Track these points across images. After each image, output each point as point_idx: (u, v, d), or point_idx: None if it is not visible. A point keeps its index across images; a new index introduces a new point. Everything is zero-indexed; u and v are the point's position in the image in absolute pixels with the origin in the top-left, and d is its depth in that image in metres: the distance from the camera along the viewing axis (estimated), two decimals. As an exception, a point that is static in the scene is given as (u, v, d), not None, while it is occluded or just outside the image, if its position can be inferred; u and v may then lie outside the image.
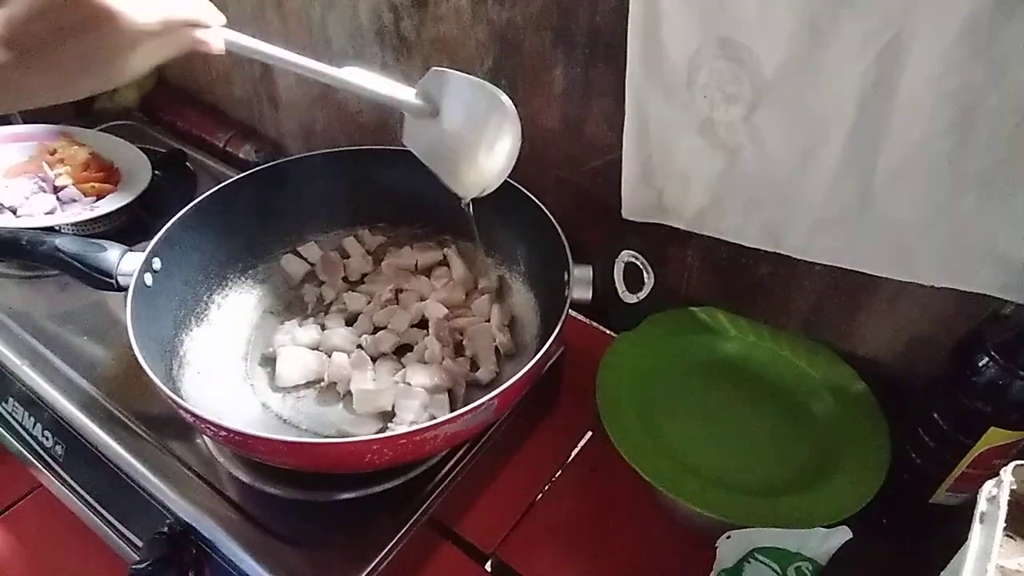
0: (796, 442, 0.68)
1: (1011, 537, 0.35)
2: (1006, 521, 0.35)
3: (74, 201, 0.87)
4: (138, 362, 0.56)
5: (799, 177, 0.62)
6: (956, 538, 0.40)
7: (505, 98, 0.57)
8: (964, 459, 0.57)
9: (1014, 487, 0.37)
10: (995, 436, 0.54)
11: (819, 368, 0.72)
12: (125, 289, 0.63)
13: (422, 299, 0.76)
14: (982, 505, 0.37)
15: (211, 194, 0.72)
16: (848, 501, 0.60)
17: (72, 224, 0.85)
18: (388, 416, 0.65)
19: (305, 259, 0.80)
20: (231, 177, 0.75)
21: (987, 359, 0.53)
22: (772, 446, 0.68)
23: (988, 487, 0.37)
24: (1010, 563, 0.34)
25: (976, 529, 0.36)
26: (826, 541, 0.55)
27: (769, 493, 0.63)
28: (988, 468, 0.56)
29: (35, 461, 0.71)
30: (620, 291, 0.63)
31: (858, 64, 0.54)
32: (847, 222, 0.62)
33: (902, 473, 0.62)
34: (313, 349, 0.71)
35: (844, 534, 0.54)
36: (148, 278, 0.65)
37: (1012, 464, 0.38)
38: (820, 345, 0.74)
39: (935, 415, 0.58)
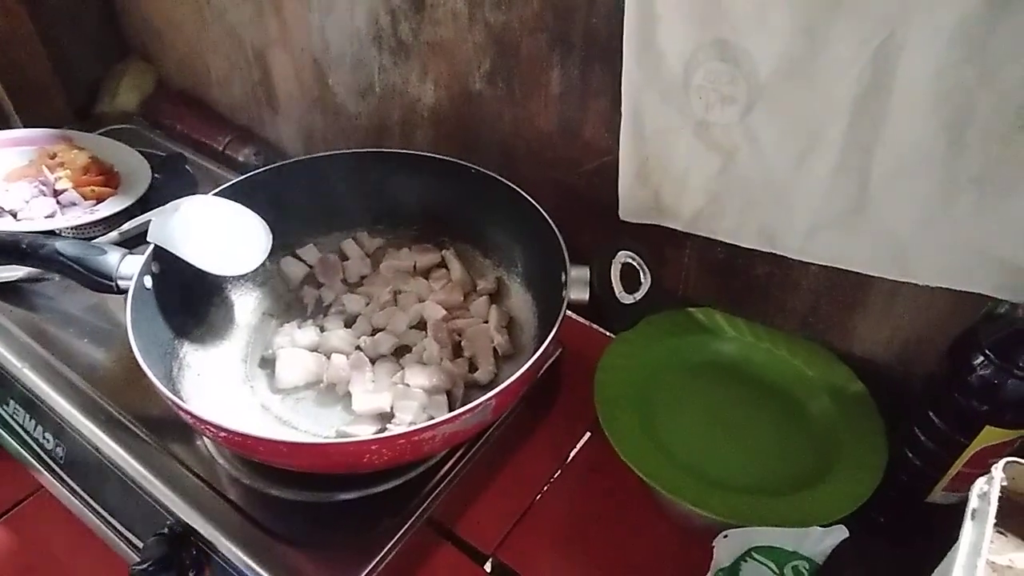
0: (793, 441, 0.68)
1: (1002, 533, 0.36)
2: (997, 517, 0.36)
3: (74, 205, 0.88)
4: (138, 365, 0.56)
5: (795, 178, 0.63)
6: (952, 537, 0.41)
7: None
8: (960, 458, 0.57)
9: (1005, 483, 0.37)
10: (990, 435, 0.55)
11: (816, 368, 0.73)
12: (125, 292, 0.63)
13: (420, 301, 0.76)
14: (973, 502, 0.37)
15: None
16: (845, 500, 0.60)
17: (72, 227, 0.85)
18: (387, 417, 0.65)
19: (304, 261, 0.80)
20: (230, 180, 0.75)
21: (982, 358, 0.53)
22: (770, 446, 0.68)
23: (979, 484, 0.37)
24: (1001, 559, 0.34)
25: (967, 525, 0.36)
26: (823, 540, 0.55)
27: (766, 492, 0.63)
28: (984, 467, 0.56)
29: (36, 463, 0.71)
30: (617, 292, 0.64)
31: (853, 66, 0.55)
32: (843, 223, 0.62)
33: (899, 472, 0.62)
34: (312, 351, 0.71)
35: (841, 533, 0.55)
36: (148, 281, 0.65)
37: (1003, 461, 0.38)
38: (817, 345, 0.74)
39: (931, 414, 0.58)
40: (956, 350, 0.57)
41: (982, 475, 0.39)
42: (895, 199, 0.59)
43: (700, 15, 0.59)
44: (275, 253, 0.74)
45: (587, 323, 0.84)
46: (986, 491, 0.37)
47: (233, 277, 0.76)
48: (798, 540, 0.55)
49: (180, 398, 0.57)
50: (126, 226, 0.78)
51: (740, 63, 0.59)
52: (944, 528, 0.46)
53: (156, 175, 0.93)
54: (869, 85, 0.55)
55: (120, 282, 0.65)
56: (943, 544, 0.43)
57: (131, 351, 0.57)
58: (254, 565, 0.57)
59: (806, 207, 0.64)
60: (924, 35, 0.51)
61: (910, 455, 0.61)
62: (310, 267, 0.80)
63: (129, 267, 0.65)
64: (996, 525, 0.35)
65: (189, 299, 0.71)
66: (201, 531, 0.59)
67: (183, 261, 0.67)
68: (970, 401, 0.55)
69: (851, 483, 0.62)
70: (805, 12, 0.55)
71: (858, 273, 0.65)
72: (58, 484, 0.70)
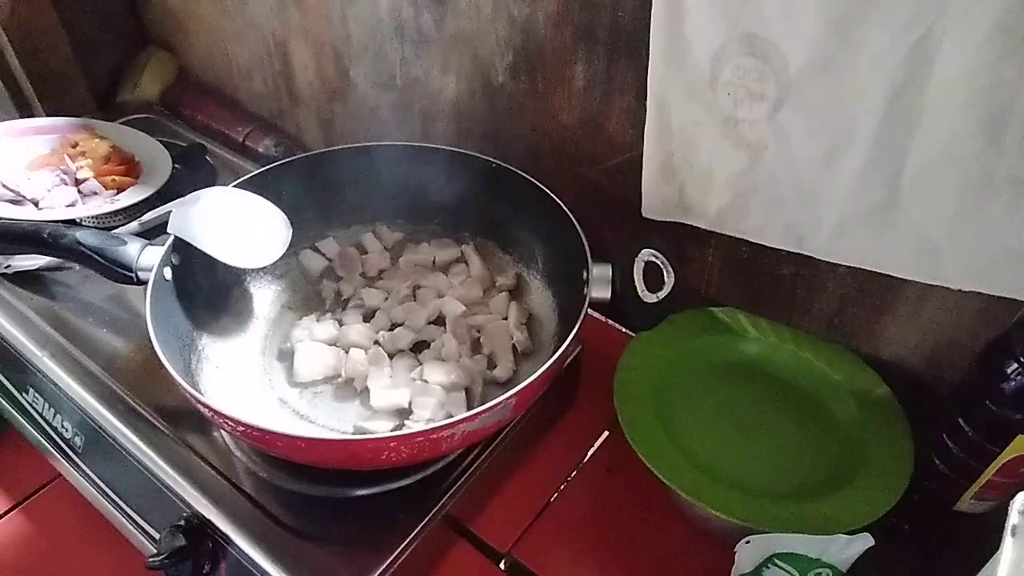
0: (817, 446, 0.67)
1: (1043, 550, 0.35)
2: (1038, 533, 0.35)
3: (95, 194, 0.88)
4: (156, 355, 0.56)
5: (823, 176, 0.61)
6: (980, 546, 0.40)
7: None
8: (990, 467, 0.56)
9: (1046, 499, 0.36)
10: (1022, 444, 0.53)
11: (841, 371, 0.71)
12: (145, 283, 0.63)
13: (439, 296, 0.76)
14: (1014, 518, 0.36)
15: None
16: (870, 507, 0.59)
17: (93, 217, 0.85)
18: (405, 413, 0.65)
19: (323, 254, 0.80)
20: (250, 172, 0.75)
21: (1016, 366, 0.52)
22: (793, 450, 0.67)
23: (1020, 499, 0.36)
24: (1042, 577, 0.33)
25: (1008, 542, 0.35)
26: (847, 548, 0.54)
27: (789, 497, 0.62)
28: (1015, 476, 0.55)
29: (55, 452, 0.71)
30: (640, 290, 0.63)
31: (886, 62, 0.53)
32: (872, 223, 0.61)
33: (925, 480, 0.61)
34: (330, 345, 0.71)
35: (866, 541, 0.54)
36: (167, 272, 0.65)
37: (1044, 475, 0.37)
38: (843, 348, 0.73)
39: (960, 421, 0.57)
40: (988, 357, 0.55)
41: (1016, 485, 0.37)
42: (927, 199, 0.58)
43: (729, 9, 0.58)
44: (294, 246, 0.74)
45: (607, 321, 0.83)
46: (1027, 506, 0.35)
47: (252, 269, 0.76)
48: (822, 547, 0.54)
49: (198, 390, 0.57)
50: (147, 216, 0.78)
51: (770, 59, 0.58)
52: (972, 537, 0.45)
53: (176, 165, 0.93)
54: (903, 82, 0.54)
55: (140, 273, 0.64)
56: (970, 553, 0.42)
57: (150, 341, 0.57)
58: (269, 559, 0.57)
59: (835, 206, 0.62)
60: (961, 32, 0.50)
61: (938, 463, 0.60)
62: (329, 260, 0.80)
63: (149, 258, 0.65)
64: (1038, 542, 0.34)
65: (208, 291, 0.71)
66: (217, 524, 0.59)
67: (203, 253, 0.67)
68: (1003, 409, 0.53)
69: (876, 490, 0.60)
70: (837, 7, 0.53)
71: (886, 276, 0.64)
72: (75, 473, 0.70)
